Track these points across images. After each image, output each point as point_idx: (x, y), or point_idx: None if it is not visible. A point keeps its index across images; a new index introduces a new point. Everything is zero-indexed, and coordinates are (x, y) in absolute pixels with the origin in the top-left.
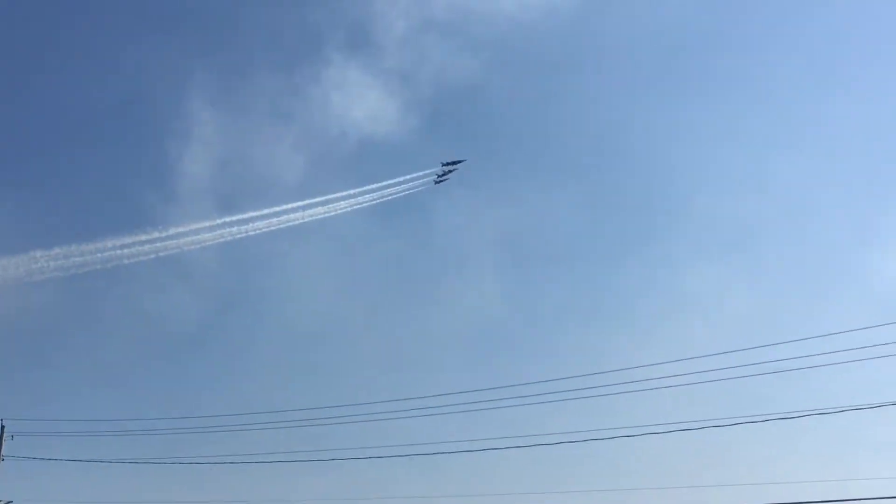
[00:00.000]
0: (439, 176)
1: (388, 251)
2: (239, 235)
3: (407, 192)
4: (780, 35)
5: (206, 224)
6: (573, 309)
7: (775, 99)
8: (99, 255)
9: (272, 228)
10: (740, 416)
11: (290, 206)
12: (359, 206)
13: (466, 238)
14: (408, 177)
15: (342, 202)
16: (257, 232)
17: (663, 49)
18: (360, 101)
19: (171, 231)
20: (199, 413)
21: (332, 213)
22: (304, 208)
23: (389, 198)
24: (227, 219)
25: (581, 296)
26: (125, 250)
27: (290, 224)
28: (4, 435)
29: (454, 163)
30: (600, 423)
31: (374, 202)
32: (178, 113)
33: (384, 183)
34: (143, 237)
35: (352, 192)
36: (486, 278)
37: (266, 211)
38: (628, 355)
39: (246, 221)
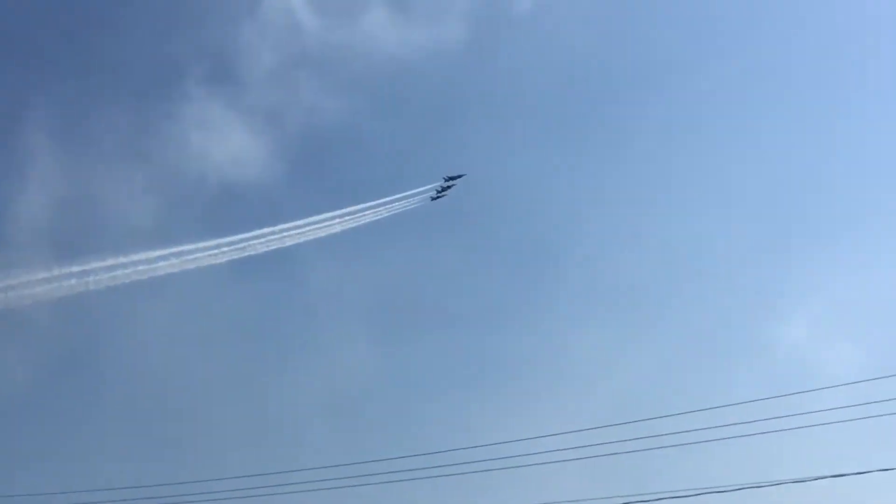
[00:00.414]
0: (438, 192)
1: (251, 310)
2: (79, 289)
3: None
4: (678, 80)
5: (41, 275)
6: (449, 377)
7: (672, 151)
8: None
9: (118, 282)
10: (629, 494)
11: (139, 256)
12: (216, 262)
13: (336, 298)
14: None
15: (199, 254)
16: (101, 286)
17: (552, 95)
18: (222, 141)
19: None
20: (21, 492)
21: (189, 266)
22: (156, 260)
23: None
24: (66, 270)
25: (458, 363)
26: None
27: (140, 278)
28: None
29: (455, 177)
30: (476, 502)
31: (235, 257)
32: (9, 146)
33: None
34: None
35: (208, 243)
36: (355, 342)
37: (111, 262)
38: (508, 428)
39: (88, 273)
